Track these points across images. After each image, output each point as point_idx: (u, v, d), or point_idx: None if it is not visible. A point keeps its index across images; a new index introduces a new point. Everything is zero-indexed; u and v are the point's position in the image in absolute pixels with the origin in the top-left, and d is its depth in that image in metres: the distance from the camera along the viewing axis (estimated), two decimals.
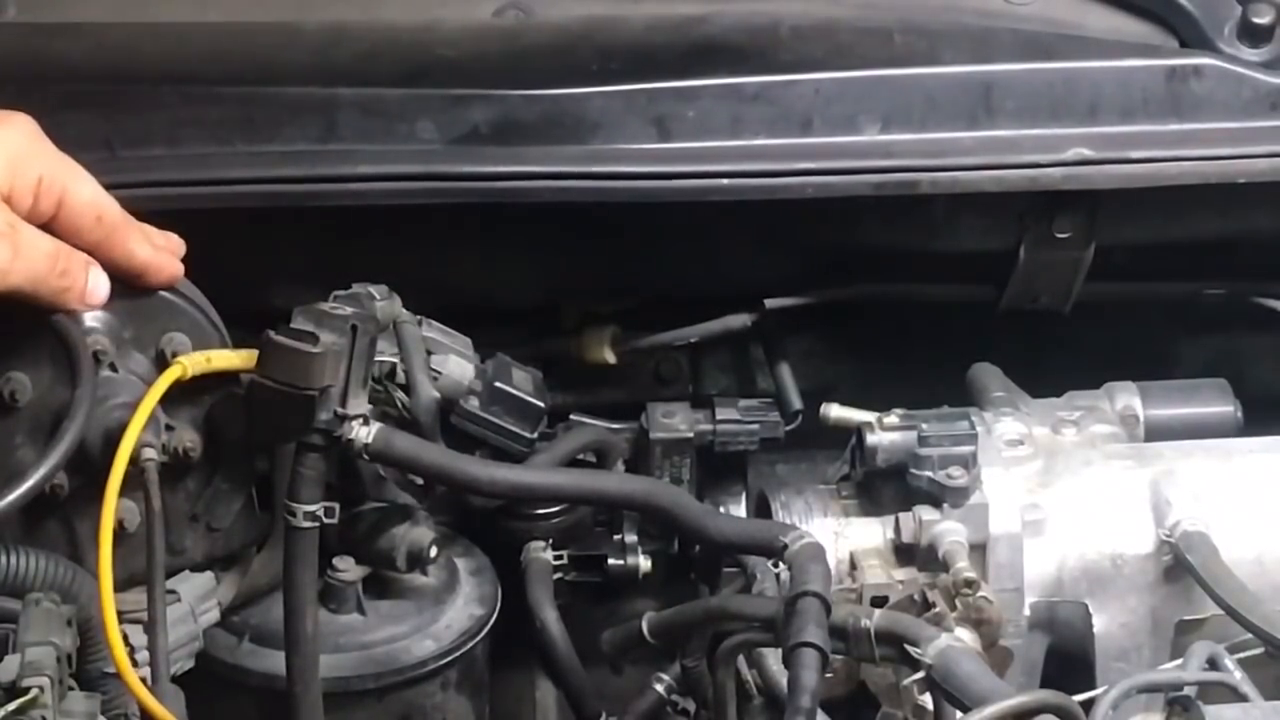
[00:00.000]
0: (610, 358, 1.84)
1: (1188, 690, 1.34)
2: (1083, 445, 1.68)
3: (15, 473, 1.36)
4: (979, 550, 1.60)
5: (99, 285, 1.40)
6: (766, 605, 1.41)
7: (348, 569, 1.58)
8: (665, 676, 1.64)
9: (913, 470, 1.60)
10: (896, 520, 1.61)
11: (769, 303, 1.82)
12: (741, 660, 1.50)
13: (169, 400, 1.41)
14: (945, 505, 1.60)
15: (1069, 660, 1.63)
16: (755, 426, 1.80)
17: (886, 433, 1.61)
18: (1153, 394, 1.76)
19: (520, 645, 1.70)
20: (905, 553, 1.60)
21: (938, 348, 1.85)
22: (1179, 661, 1.43)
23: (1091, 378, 1.77)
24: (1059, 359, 1.86)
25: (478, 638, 1.61)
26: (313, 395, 1.39)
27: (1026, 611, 1.62)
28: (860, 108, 1.67)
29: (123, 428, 1.38)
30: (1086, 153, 1.65)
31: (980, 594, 1.54)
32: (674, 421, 1.78)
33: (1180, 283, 1.85)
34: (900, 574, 1.60)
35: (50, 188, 1.37)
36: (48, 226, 1.37)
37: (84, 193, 1.39)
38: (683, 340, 1.84)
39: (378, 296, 1.54)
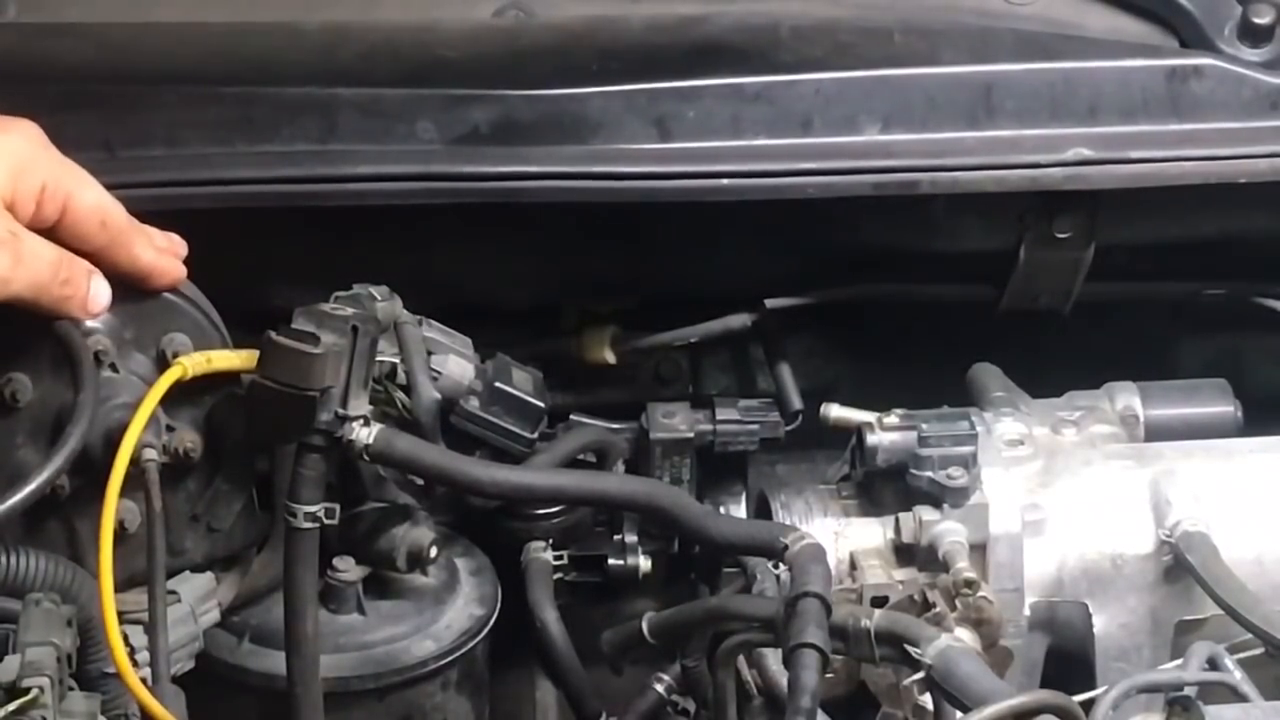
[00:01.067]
0: (610, 358, 1.84)
1: (1188, 690, 1.34)
2: (1083, 445, 1.68)
3: (16, 474, 1.36)
4: (979, 550, 1.60)
5: (100, 293, 1.40)
6: (766, 606, 1.41)
7: (348, 569, 1.58)
8: (665, 676, 1.64)
9: (913, 470, 1.60)
10: (896, 520, 1.61)
11: (769, 303, 1.82)
12: (741, 660, 1.50)
13: (169, 401, 1.41)
14: (945, 505, 1.60)
15: (1069, 660, 1.63)
16: (755, 426, 1.80)
17: (886, 433, 1.62)
18: (1153, 394, 1.76)
19: (520, 645, 1.69)
20: (905, 553, 1.60)
21: (938, 348, 1.85)
22: (1179, 661, 1.43)
23: (1091, 378, 1.77)
24: (1059, 359, 1.86)
25: (478, 638, 1.61)
26: (313, 396, 1.39)
27: (1026, 611, 1.62)
28: (860, 108, 1.67)
29: (123, 428, 1.38)
30: (1086, 153, 1.65)
31: (980, 594, 1.55)
32: (674, 421, 1.78)
33: (1180, 283, 1.85)
34: (900, 574, 1.60)
35: (54, 194, 1.37)
36: (52, 232, 1.37)
37: (88, 198, 1.39)
38: (683, 340, 1.84)
39: (378, 297, 1.54)
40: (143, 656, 1.39)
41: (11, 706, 1.21)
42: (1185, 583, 1.60)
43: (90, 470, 1.40)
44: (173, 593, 1.46)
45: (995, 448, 1.65)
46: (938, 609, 1.55)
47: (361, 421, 1.41)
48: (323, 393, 1.39)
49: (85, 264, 1.39)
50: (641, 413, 1.79)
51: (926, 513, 1.60)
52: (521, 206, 1.62)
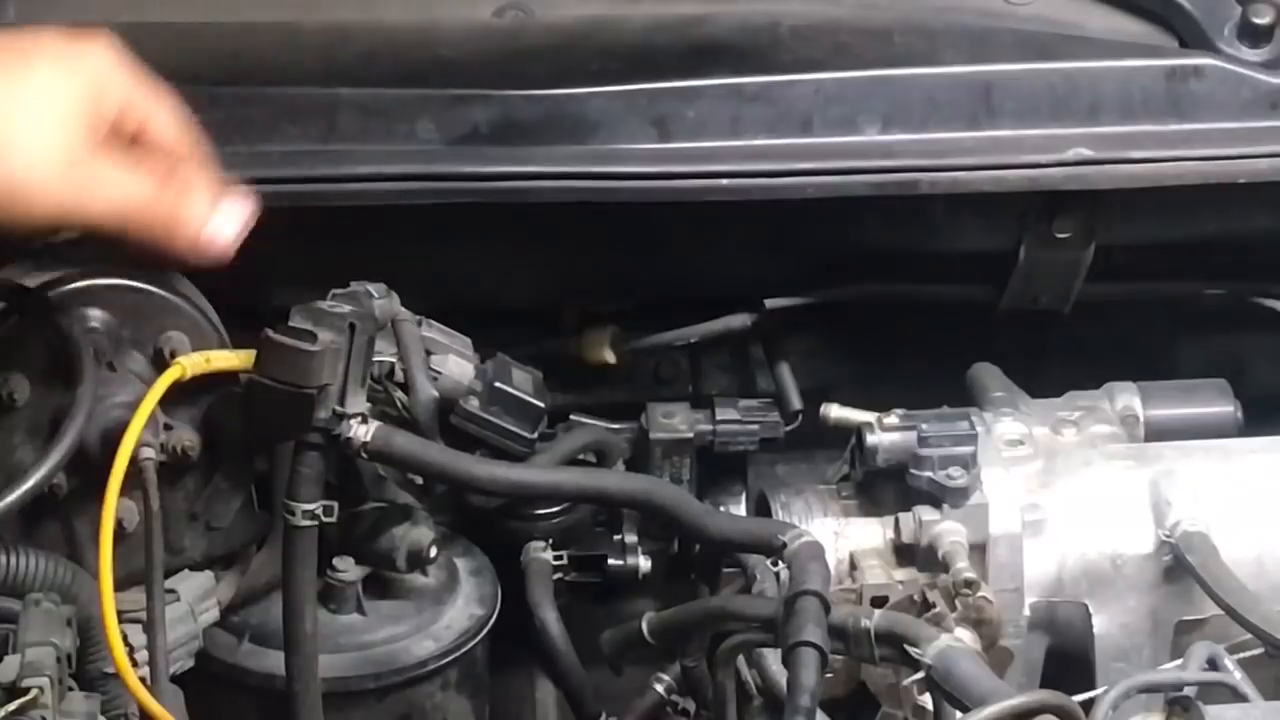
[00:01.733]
0: (610, 358, 1.84)
1: (1188, 690, 1.34)
2: (1083, 445, 1.68)
3: (15, 473, 1.36)
4: (979, 550, 1.60)
5: (223, 228, 1.34)
6: (766, 605, 1.41)
7: (348, 569, 1.58)
8: (665, 676, 1.64)
9: (913, 470, 1.60)
10: (896, 520, 1.61)
11: (769, 303, 1.82)
12: (741, 660, 1.50)
13: (168, 400, 1.41)
14: (945, 505, 1.60)
15: (1069, 660, 1.63)
16: (755, 426, 1.80)
17: (886, 433, 1.61)
18: (1153, 394, 1.76)
19: (520, 645, 1.69)
20: (905, 553, 1.60)
21: (938, 348, 1.85)
22: (1179, 661, 1.43)
23: (1091, 378, 1.77)
24: (1059, 359, 1.86)
25: (478, 638, 1.61)
26: (311, 394, 1.39)
27: (1026, 612, 1.62)
28: (860, 108, 1.67)
29: (122, 427, 1.37)
30: (1086, 153, 1.65)
31: (980, 594, 1.54)
32: (674, 421, 1.78)
33: (1180, 283, 1.85)
34: (900, 574, 1.59)
35: (133, 114, 1.33)
36: (129, 154, 1.33)
37: (163, 120, 1.36)
38: (683, 340, 1.84)
39: (376, 294, 1.54)
40: (142, 656, 1.39)
41: (11, 706, 1.21)
42: (1185, 583, 1.59)
43: (88, 470, 1.40)
44: (171, 591, 1.46)
45: (995, 448, 1.65)
46: (938, 609, 1.54)
47: (359, 419, 1.41)
48: (320, 390, 1.39)
49: (199, 185, 1.34)
50: (641, 413, 1.79)
51: (926, 513, 1.60)
52: (521, 206, 1.62)
